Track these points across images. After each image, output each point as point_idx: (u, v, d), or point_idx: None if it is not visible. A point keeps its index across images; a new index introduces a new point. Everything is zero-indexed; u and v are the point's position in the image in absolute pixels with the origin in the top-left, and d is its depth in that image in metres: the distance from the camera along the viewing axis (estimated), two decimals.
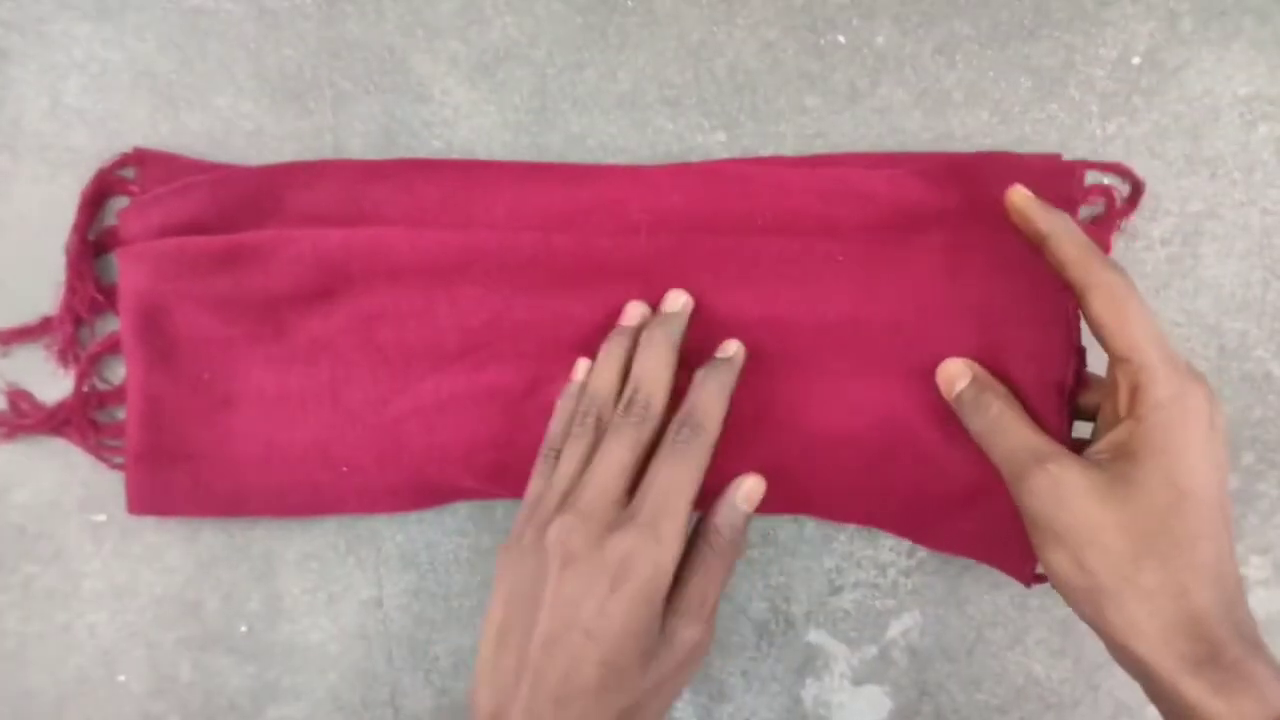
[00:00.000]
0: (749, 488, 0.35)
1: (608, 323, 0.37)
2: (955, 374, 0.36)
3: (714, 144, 0.40)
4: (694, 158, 0.40)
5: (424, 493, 0.40)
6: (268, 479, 0.39)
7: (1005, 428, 0.33)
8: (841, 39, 0.39)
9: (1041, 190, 0.34)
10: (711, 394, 0.34)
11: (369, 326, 0.38)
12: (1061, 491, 0.31)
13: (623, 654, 0.30)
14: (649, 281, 0.37)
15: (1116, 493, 0.30)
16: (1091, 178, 0.39)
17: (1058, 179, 0.37)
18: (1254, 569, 0.41)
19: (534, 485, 0.35)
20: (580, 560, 0.31)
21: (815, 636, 0.42)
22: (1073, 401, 0.36)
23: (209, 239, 0.37)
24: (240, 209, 0.38)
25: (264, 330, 0.39)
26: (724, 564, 0.33)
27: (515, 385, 0.38)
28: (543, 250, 0.37)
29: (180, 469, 0.39)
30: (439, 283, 0.38)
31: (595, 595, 0.30)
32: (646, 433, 0.34)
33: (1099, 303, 0.31)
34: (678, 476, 0.32)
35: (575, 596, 0.30)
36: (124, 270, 0.38)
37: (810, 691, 0.42)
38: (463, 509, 0.42)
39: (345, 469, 0.39)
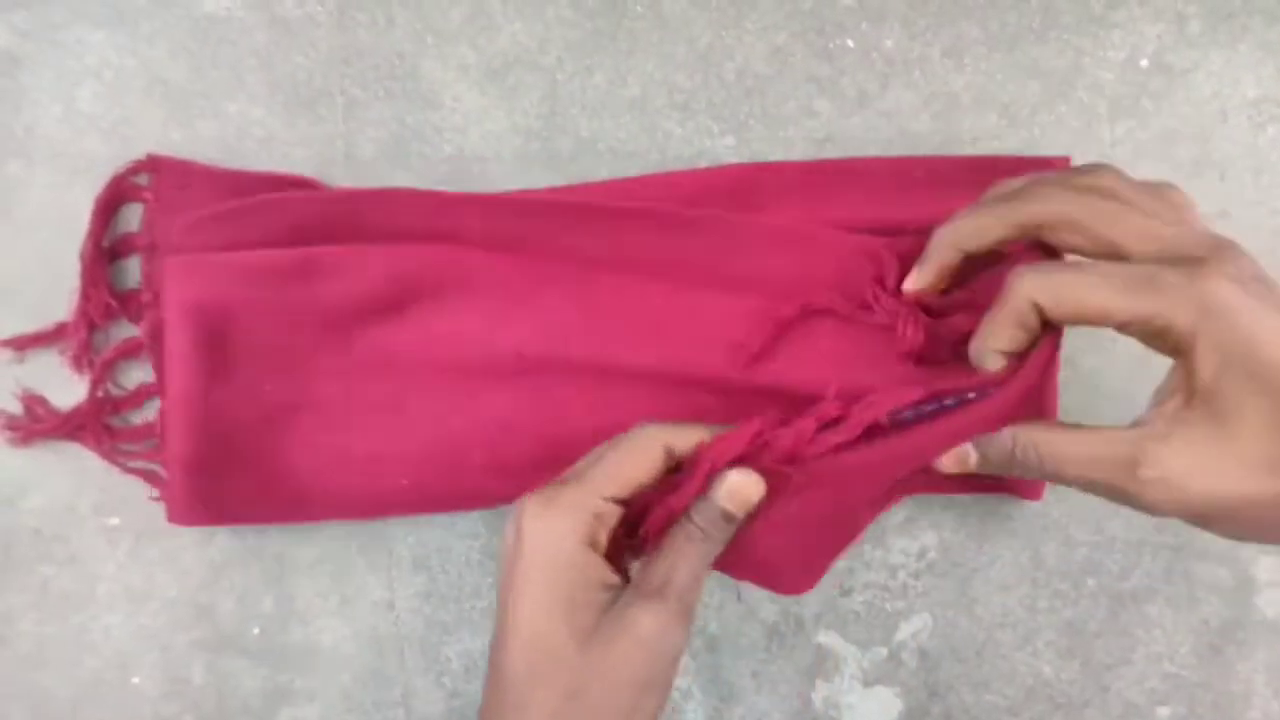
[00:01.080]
0: (731, 484, 0.31)
1: (668, 359, 0.38)
2: (960, 457, 0.32)
3: (723, 148, 0.40)
4: (703, 162, 0.40)
5: (481, 499, 0.40)
6: (327, 485, 0.40)
7: (1059, 456, 0.30)
8: (850, 43, 0.40)
9: None
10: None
11: (437, 342, 0.39)
12: (1175, 482, 0.27)
13: (546, 632, 0.29)
14: (705, 328, 0.38)
15: (1218, 438, 0.27)
16: None
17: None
18: (1263, 570, 0.41)
19: None
20: (507, 537, 0.31)
21: (825, 638, 0.42)
22: None
23: (281, 252, 0.38)
24: (315, 229, 0.38)
25: (332, 341, 0.39)
26: (697, 552, 0.31)
27: (577, 407, 0.39)
28: (612, 285, 0.38)
29: (235, 478, 0.39)
30: (510, 303, 0.38)
31: (504, 568, 0.30)
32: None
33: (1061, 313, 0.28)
34: (610, 466, 0.31)
35: (501, 572, 0.31)
36: (175, 280, 0.38)
37: (820, 693, 0.42)
38: (474, 511, 0.42)
39: (405, 482, 0.39)
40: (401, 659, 0.43)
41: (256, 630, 0.42)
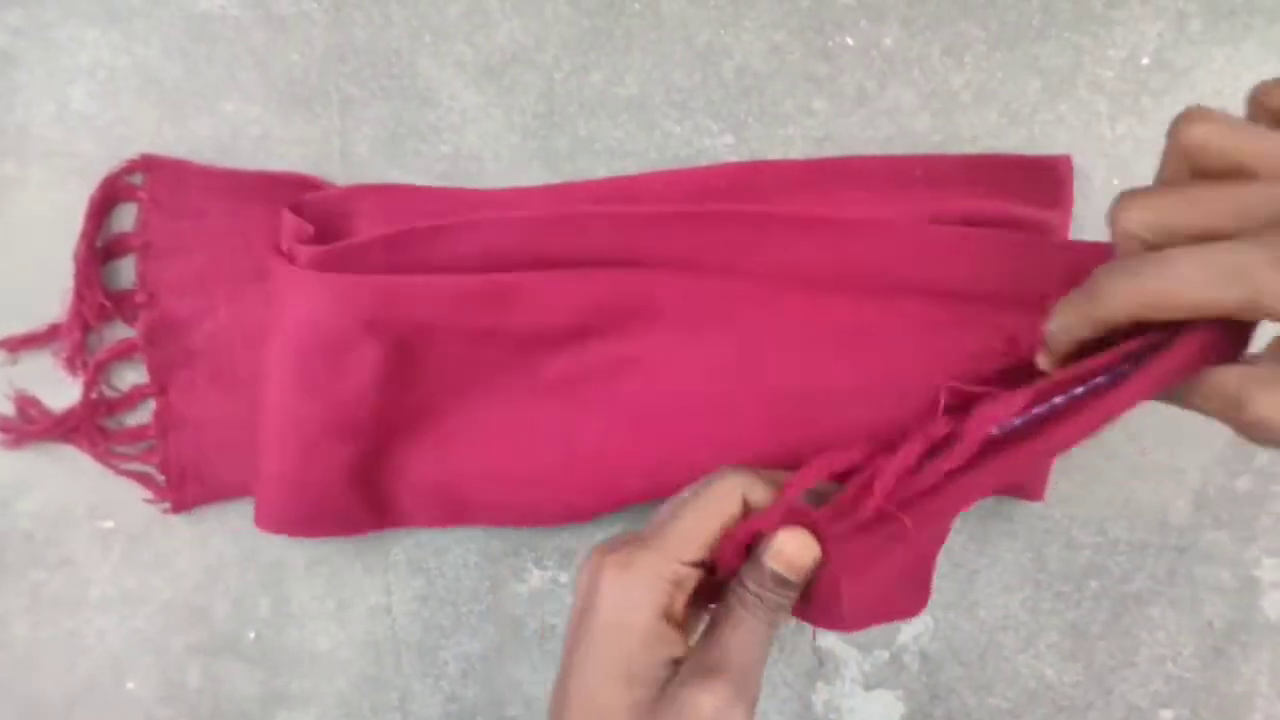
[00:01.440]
0: (779, 545, 0.29)
1: (862, 375, 0.37)
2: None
3: (721, 147, 0.40)
4: (701, 161, 0.40)
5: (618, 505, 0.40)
6: (482, 499, 0.40)
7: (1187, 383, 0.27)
8: (849, 41, 0.39)
9: (1037, 191, 0.35)
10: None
11: (617, 371, 0.38)
12: (1276, 426, 0.25)
13: (605, 706, 0.28)
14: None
15: None
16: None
17: (1051, 175, 0.38)
18: (1267, 571, 0.41)
19: None
20: (581, 592, 0.30)
21: (826, 640, 0.42)
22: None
23: (471, 277, 0.37)
24: (505, 253, 0.37)
25: (513, 363, 0.39)
26: (755, 622, 0.29)
27: (764, 431, 0.37)
28: (800, 301, 0.37)
29: (384, 487, 0.40)
30: (699, 334, 0.38)
31: (573, 632, 0.30)
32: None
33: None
34: (690, 520, 0.30)
35: (572, 622, 0.30)
36: (323, 298, 0.37)
37: (821, 696, 0.42)
38: None
39: (560, 507, 0.39)
40: (398, 663, 0.42)
41: (252, 634, 0.42)
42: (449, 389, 0.39)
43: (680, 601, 0.30)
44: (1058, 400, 0.28)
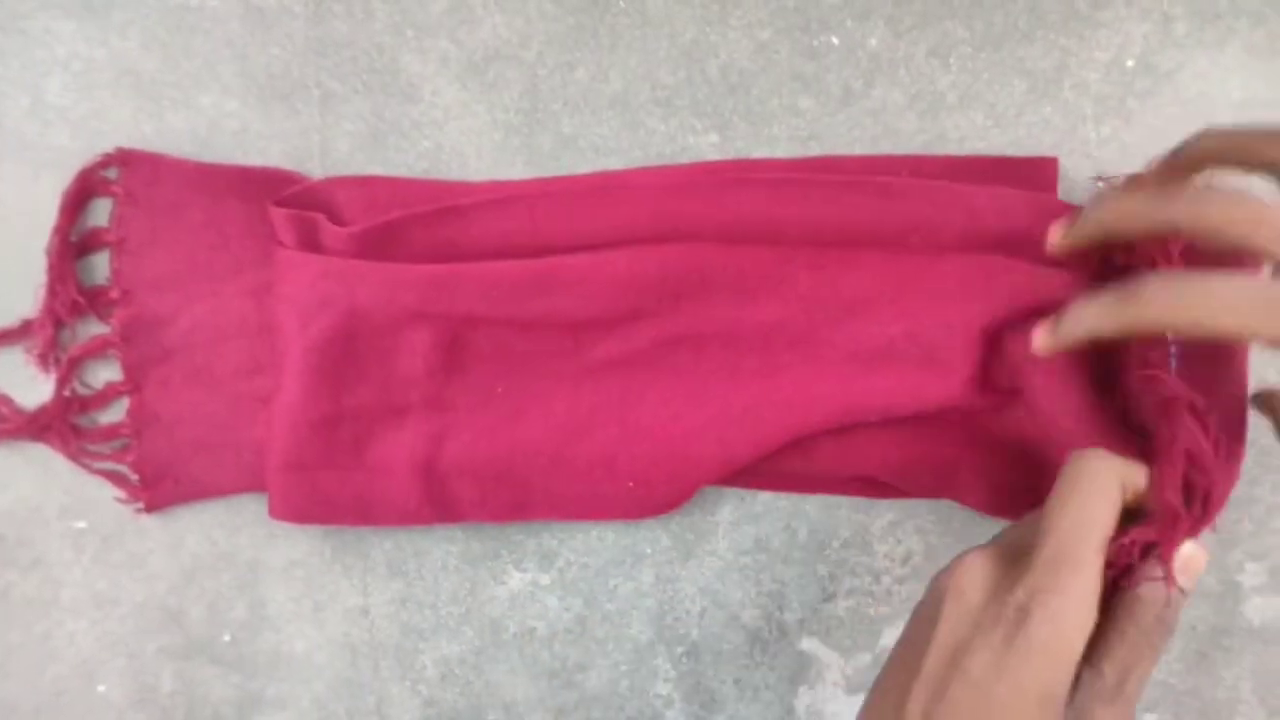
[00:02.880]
0: (1185, 558, 0.28)
1: (917, 331, 0.37)
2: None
3: (706, 145, 0.40)
4: (686, 159, 0.40)
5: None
6: (551, 488, 0.39)
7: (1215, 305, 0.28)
8: (835, 40, 0.39)
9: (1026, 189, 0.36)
10: None
11: (670, 347, 0.39)
12: None
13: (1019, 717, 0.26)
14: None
15: None
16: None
17: (1036, 176, 0.38)
18: (1249, 575, 0.41)
19: None
20: (974, 601, 0.27)
21: (808, 644, 0.41)
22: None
23: (517, 263, 0.37)
24: (540, 233, 0.38)
25: (564, 346, 0.39)
26: (1149, 643, 0.28)
27: (828, 390, 0.38)
28: (844, 260, 0.37)
29: (445, 480, 0.39)
30: (746, 300, 0.38)
31: (988, 646, 0.27)
32: None
33: None
34: (1087, 512, 0.27)
35: (963, 643, 0.27)
36: (369, 285, 0.37)
37: (803, 700, 0.42)
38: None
39: (631, 483, 0.39)
40: (376, 666, 0.42)
41: (227, 637, 0.41)
42: (501, 373, 0.39)
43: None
44: None
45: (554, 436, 0.39)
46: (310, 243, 0.38)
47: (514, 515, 0.40)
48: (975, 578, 0.28)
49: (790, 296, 0.38)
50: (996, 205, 0.36)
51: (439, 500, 0.39)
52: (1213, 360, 0.35)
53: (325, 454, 0.38)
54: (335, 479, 0.39)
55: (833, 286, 0.38)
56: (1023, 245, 0.36)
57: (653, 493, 0.39)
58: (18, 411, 0.40)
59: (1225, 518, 0.40)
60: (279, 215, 0.38)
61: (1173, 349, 0.32)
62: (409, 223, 0.38)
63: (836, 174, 0.38)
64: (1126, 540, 0.28)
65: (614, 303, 0.38)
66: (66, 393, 0.40)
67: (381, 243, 0.38)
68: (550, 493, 0.39)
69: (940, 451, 0.39)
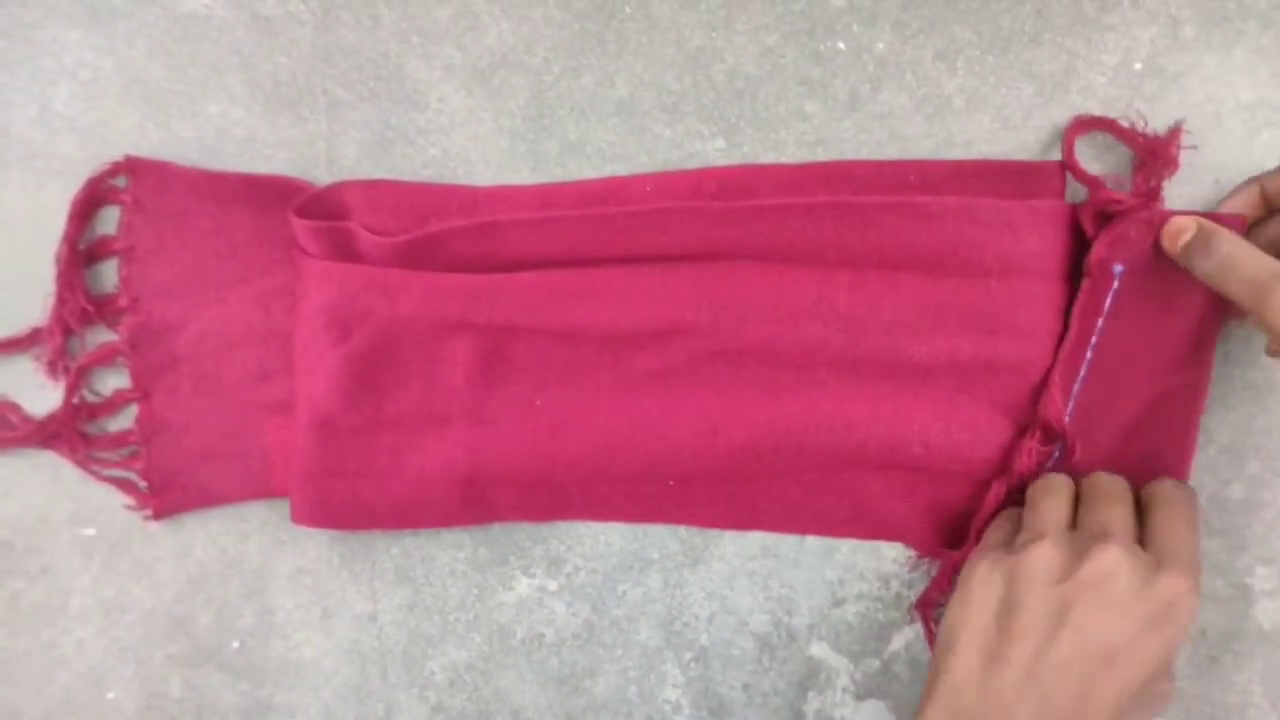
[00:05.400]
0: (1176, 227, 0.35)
1: (957, 348, 0.38)
2: (1181, 227, 0.35)
3: (713, 151, 0.40)
4: (692, 165, 0.40)
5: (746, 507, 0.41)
6: (590, 492, 0.40)
7: (1239, 258, 0.33)
8: (841, 45, 0.39)
9: (1029, 196, 0.36)
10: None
11: (707, 363, 0.39)
12: None
13: (1136, 693, 0.32)
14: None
15: None
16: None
17: (1043, 181, 0.38)
18: (1259, 579, 0.40)
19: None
20: (1119, 591, 0.32)
21: (817, 650, 0.41)
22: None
23: (557, 273, 0.38)
24: (585, 246, 0.38)
25: (601, 358, 0.39)
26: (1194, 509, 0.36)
27: (865, 404, 0.38)
28: (884, 280, 0.38)
29: (484, 484, 0.40)
30: (785, 317, 0.38)
31: (1129, 630, 0.32)
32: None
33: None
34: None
35: (1105, 626, 0.32)
36: (411, 294, 0.38)
37: (812, 705, 0.42)
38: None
39: (672, 482, 0.40)
40: (384, 673, 0.42)
41: (236, 644, 0.41)
42: (539, 385, 0.40)
43: None
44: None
45: (592, 452, 0.39)
46: (342, 252, 0.38)
47: (551, 516, 0.41)
48: (1122, 567, 0.32)
49: (830, 316, 0.38)
50: (1032, 221, 0.37)
51: (478, 504, 0.40)
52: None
53: (364, 461, 0.39)
54: (373, 487, 0.39)
55: (873, 306, 0.38)
56: (1060, 263, 0.37)
57: (696, 491, 0.40)
58: (26, 419, 0.40)
59: (1233, 522, 0.40)
60: (303, 226, 0.38)
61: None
62: (449, 236, 0.38)
63: (848, 180, 0.38)
64: None
65: (651, 315, 0.38)
66: (75, 400, 0.40)
67: (422, 253, 0.38)
68: (589, 496, 0.40)
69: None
